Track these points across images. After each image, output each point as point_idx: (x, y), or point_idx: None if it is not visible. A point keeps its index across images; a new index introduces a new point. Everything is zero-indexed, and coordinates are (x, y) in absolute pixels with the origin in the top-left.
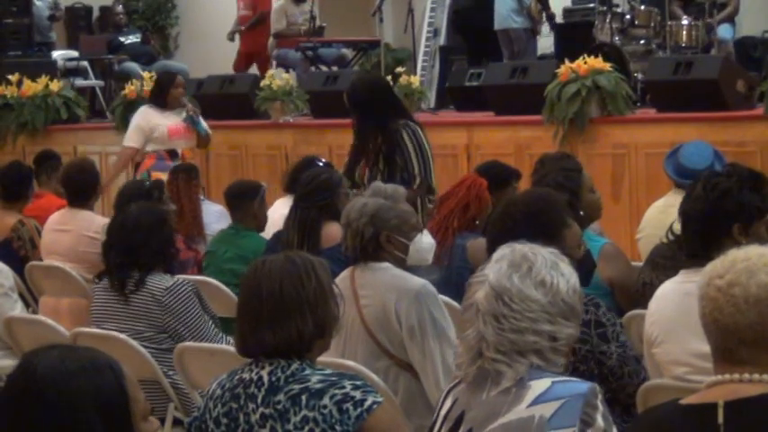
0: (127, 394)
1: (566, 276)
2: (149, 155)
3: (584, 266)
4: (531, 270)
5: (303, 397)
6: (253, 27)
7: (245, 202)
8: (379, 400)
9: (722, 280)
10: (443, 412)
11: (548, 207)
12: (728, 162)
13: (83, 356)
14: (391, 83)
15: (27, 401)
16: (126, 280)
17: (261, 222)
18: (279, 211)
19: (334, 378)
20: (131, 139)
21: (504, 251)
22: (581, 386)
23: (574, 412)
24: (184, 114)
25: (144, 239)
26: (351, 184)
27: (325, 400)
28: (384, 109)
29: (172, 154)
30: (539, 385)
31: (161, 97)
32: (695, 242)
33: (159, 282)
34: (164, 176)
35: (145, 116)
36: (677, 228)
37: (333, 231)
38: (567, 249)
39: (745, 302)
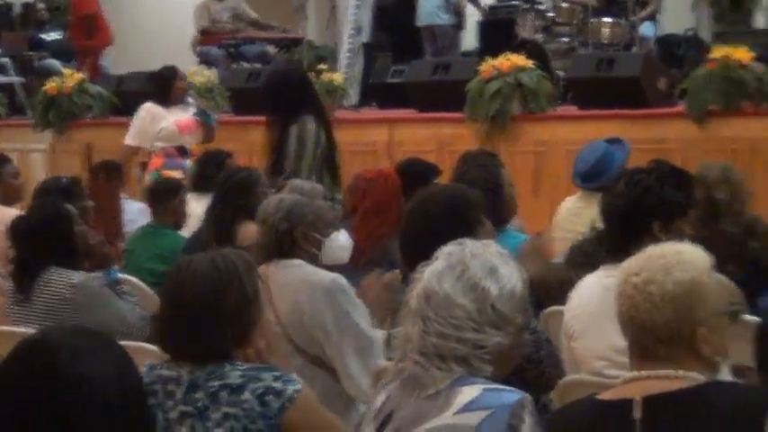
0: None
1: (501, 282)
2: (157, 153)
3: None
4: (464, 274)
5: (223, 393)
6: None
7: (167, 199)
8: (299, 387)
9: (638, 277)
10: (375, 407)
11: (465, 204)
12: (652, 159)
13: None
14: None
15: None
16: (24, 276)
17: (180, 220)
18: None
19: (253, 372)
20: (131, 136)
21: (450, 248)
22: (510, 396)
23: (500, 423)
24: (193, 108)
25: (43, 236)
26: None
27: (246, 395)
28: (285, 102)
29: (181, 151)
30: (468, 392)
31: (165, 92)
32: (616, 238)
33: (66, 279)
34: (177, 175)
35: (148, 114)
36: (599, 225)
37: (249, 231)
38: None
39: (660, 300)
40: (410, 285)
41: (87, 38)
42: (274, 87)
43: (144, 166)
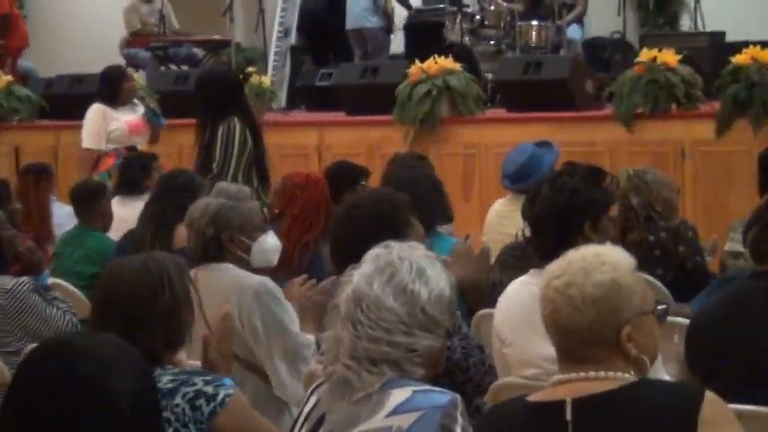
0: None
1: (430, 285)
2: (109, 154)
3: None
4: (394, 277)
5: None
6: None
7: (93, 201)
8: (231, 392)
9: (559, 281)
10: (306, 410)
11: (392, 207)
12: (566, 161)
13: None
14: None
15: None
16: None
17: (107, 222)
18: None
19: (184, 376)
20: (91, 141)
21: (377, 251)
22: (441, 398)
23: (432, 425)
24: (142, 109)
25: None
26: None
27: (178, 399)
28: (214, 104)
29: (132, 150)
30: (399, 394)
31: (113, 93)
32: (549, 244)
33: None
34: None
35: (99, 115)
36: (527, 232)
37: (184, 233)
38: None
39: (582, 302)
40: (339, 289)
41: (0, 38)
42: (203, 88)
43: (95, 165)
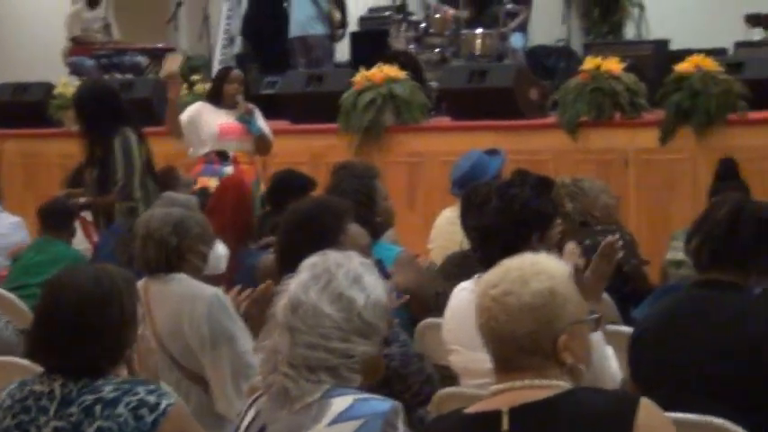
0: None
1: (366, 291)
2: (200, 158)
3: None
4: (330, 284)
5: (97, 407)
6: None
7: (69, 220)
8: (173, 401)
9: (496, 289)
10: (245, 423)
11: (321, 214)
12: (516, 169)
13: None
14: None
15: None
16: None
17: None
18: None
19: (127, 386)
20: (189, 145)
21: (314, 260)
22: (382, 405)
23: None
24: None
25: None
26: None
27: (120, 409)
28: (104, 116)
29: (222, 156)
30: (340, 403)
31: (214, 93)
32: (496, 255)
33: None
34: (212, 183)
35: (192, 112)
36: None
37: None
38: None
39: (519, 311)
40: (276, 297)
41: None
42: (91, 104)
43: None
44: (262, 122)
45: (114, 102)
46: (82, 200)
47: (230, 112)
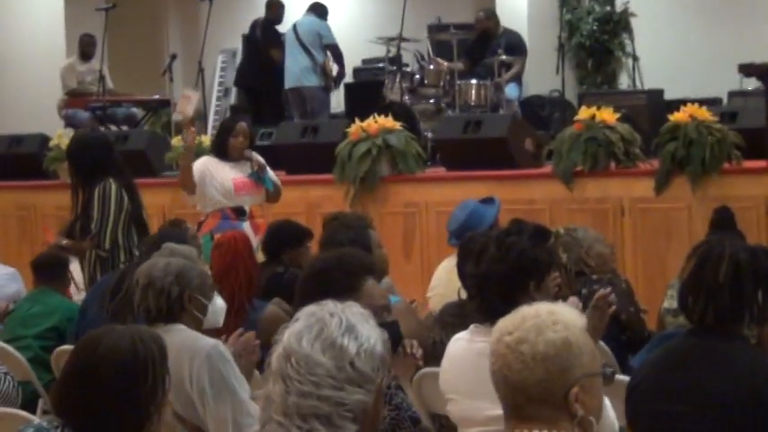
0: None
1: (360, 340)
2: (213, 213)
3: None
4: (322, 332)
5: None
6: None
7: (63, 271)
8: None
9: (511, 337)
10: None
11: (333, 269)
12: (513, 219)
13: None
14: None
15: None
16: None
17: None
18: None
19: None
20: (199, 200)
21: (310, 309)
22: None
23: None
24: (250, 169)
25: None
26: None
27: None
28: (88, 166)
29: (238, 212)
30: None
31: (219, 146)
32: (494, 303)
33: None
34: None
35: (201, 167)
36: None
37: None
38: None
39: (532, 359)
40: (273, 347)
41: None
42: (75, 155)
43: (199, 226)
44: (270, 173)
45: (99, 152)
46: (63, 242)
47: (236, 165)
